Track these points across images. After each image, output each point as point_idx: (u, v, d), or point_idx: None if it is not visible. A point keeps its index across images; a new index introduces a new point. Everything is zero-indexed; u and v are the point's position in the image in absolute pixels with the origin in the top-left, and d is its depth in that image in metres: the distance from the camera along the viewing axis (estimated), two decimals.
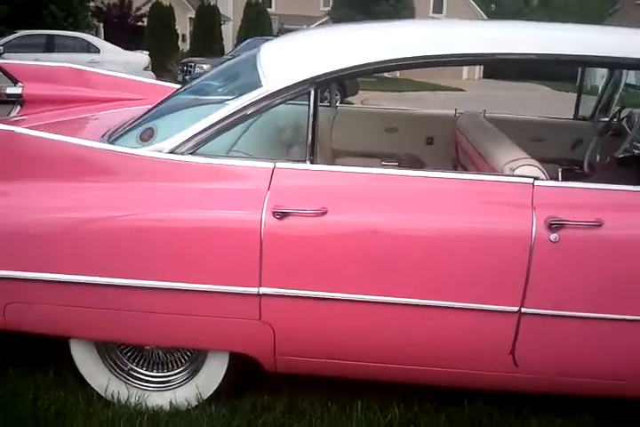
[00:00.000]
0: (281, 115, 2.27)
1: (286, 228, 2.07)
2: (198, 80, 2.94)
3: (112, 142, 2.31)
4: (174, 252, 2.12)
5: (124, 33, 18.16)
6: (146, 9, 22.69)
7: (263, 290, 2.10)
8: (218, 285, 2.11)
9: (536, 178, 2.10)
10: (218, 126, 2.16)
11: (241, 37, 20.90)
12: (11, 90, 3.66)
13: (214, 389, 2.37)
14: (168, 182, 2.15)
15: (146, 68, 12.99)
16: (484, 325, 2.11)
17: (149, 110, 2.62)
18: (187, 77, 13.79)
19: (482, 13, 37.58)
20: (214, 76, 2.88)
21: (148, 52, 13.53)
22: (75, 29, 15.50)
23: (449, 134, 3.42)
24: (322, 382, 2.42)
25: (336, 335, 2.16)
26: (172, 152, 2.17)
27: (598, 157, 3.31)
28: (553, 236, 2.02)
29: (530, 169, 2.14)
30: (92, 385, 2.40)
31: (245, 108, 2.15)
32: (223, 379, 2.35)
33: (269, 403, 2.45)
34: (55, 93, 3.62)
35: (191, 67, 14.22)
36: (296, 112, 2.35)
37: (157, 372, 2.45)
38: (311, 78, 2.13)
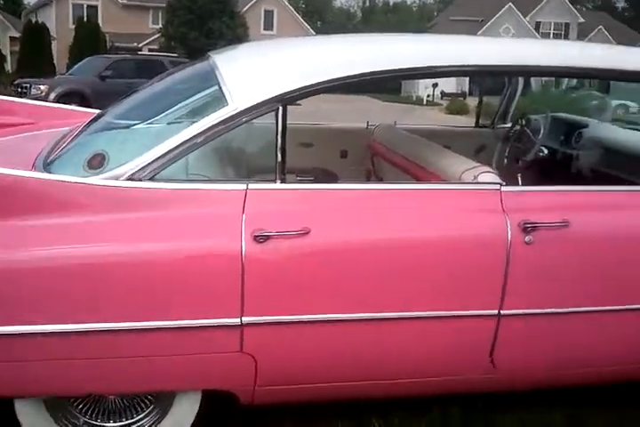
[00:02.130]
0: (237, 133, 2.15)
1: (269, 251, 1.96)
2: (129, 99, 2.71)
3: (50, 172, 2.08)
4: (140, 287, 1.93)
5: None
6: None
7: (246, 319, 1.97)
8: (192, 319, 1.95)
9: (500, 184, 2.17)
10: (182, 148, 2.00)
11: (73, 56, 19.92)
12: None
13: None
14: (133, 213, 1.96)
15: None
16: (465, 330, 2.15)
17: (77, 134, 2.39)
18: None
19: (310, 29, 38.67)
20: (151, 93, 2.68)
21: None
22: None
23: (363, 147, 3.45)
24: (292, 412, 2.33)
25: (322, 358, 2.09)
26: (130, 179, 1.98)
27: (506, 161, 3.48)
28: (527, 238, 2.09)
29: (490, 176, 2.20)
30: None
31: (211, 128, 2.01)
32: (195, 419, 2.17)
33: None
34: None
35: (26, 88, 13.30)
36: (252, 130, 2.25)
37: (117, 422, 2.21)
38: (280, 95, 2.05)
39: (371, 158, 3.43)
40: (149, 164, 1.99)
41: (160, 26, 33.27)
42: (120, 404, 2.20)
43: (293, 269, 1.99)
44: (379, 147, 3.28)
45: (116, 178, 1.98)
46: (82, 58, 17.29)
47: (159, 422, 2.19)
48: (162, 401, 2.18)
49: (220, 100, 2.07)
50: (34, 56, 20.01)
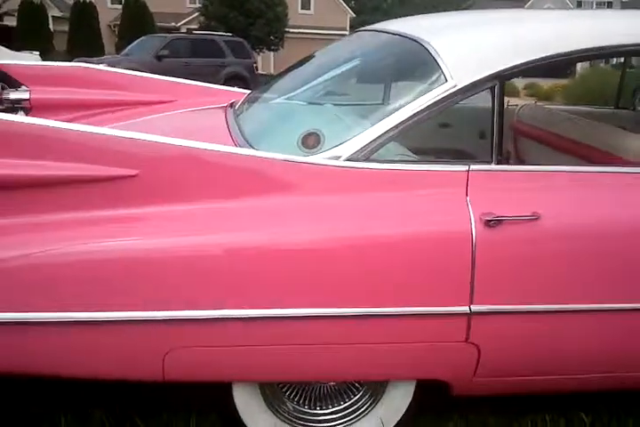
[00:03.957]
0: (453, 112, 2.05)
1: (500, 236, 1.86)
2: (299, 74, 2.61)
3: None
4: (364, 272, 1.84)
5: None
6: (7, 7, 21.00)
7: (475, 308, 1.88)
8: (419, 306, 1.86)
9: None
10: (400, 127, 1.91)
11: (123, 35, 19.89)
12: (15, 94, 3.16)
13: (396, 422, 2.12)
14: (357, 193, 1.87)
15: None
16: None
17: (256, 111, 2.28)
18: None
19: (349, 10, 38.21)
20: (330, 68, 2.57)
21: (38, 53, 12.44)
22: None
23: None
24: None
25: (547, 350, 1.99)
26: (349, 160, 1.90)
27: None
28: None
29: None
30: None
31: (431, 106, 1.91)
32: (407, 409, 2.10)
33: None
34: (69, 97, 3.16)
35: None
36: (466, 108, 2.14)
37: (325, 408, 2.15)
38: (498, 72, 1.94)
39: (513, 138, 3.31)
40: (368, 144, 1.90)
41: (198, 5, 33.15)
42: (329, 390, 2.14)
43: (524, 255, 1.89)
44: (525, 127, 3.15)
45: (336, 158, 1.90)
46: (130, 38, 17.25)
47: (371, 410, 2.12)
48: (373, 388, 2.11)
49: (437, 76, 1.96)
50: (83, 35, 19.96)
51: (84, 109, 3.05)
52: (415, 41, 2.13)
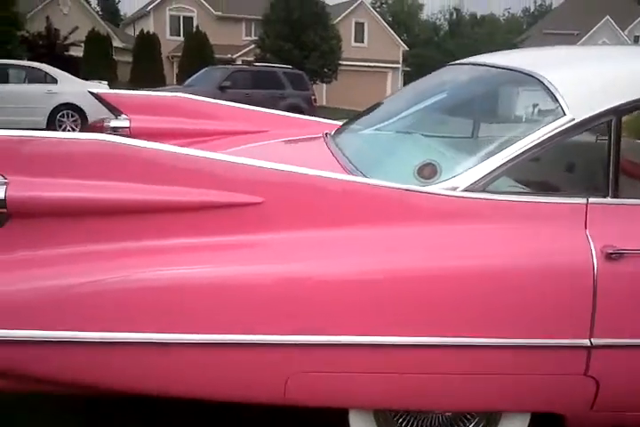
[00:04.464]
0: (569, 145, 2.06)
1: (622, 269, 1.85)
2: (397, 104, 2.66)
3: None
4: (485, 302, 1.85)
5: (51, 62, 17.48)
6: (74, 38, 21.91)
7: (596, 341, 1.86)
8: (539, 338, 1.86)
9: None
10: (517, 160, 1.93)
11: (183, 66, 20.51)
12: (115, 123, 3.29)
13: None
14: (475, 224, 1.89)
15: None
16: None
17: (354, 139, 2.32)
18: None
19: (402, 43, 38.60)
20: (432, 99, 2.63)
21: (107, 83, 12.90)
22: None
23: None
24: None
25: None
26: (467, 190, 1.92)
27: None
28: None
29: None
30: None
31: (548, 139, 1.93)
32: None
33: None
34: (167, 126, 3.28)
35: None
36: (581, 142, 2.15)
37: None
38: (615, 107, 1.95)
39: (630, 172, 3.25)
40: (485, 175, 1.93)
41: (253, 38, 33.94)
42: (442, 420, 2.13)
43: None
44: None
45: (453, 189, 1.93)
46: (189, 68, 17.72)
47: None
48: (487, 419, 2.10)
49: (554, 110, 1.99)
50: (146, 66, 20.61)
51: (182, 138, 3.14)
52: (529, 75, 2.15)
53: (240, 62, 31.16)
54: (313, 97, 15.12)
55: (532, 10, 60.64)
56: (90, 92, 3.36)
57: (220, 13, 36.39)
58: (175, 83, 21.83)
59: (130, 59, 25.49)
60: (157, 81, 19.50)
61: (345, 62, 30.96)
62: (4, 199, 1.73)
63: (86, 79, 13.77)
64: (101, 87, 12.71)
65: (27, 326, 1.74)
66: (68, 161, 1.79)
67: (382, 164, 2.21)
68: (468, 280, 1.84)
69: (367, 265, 1.83)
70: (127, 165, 1.80)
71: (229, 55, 33.57)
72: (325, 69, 29.23)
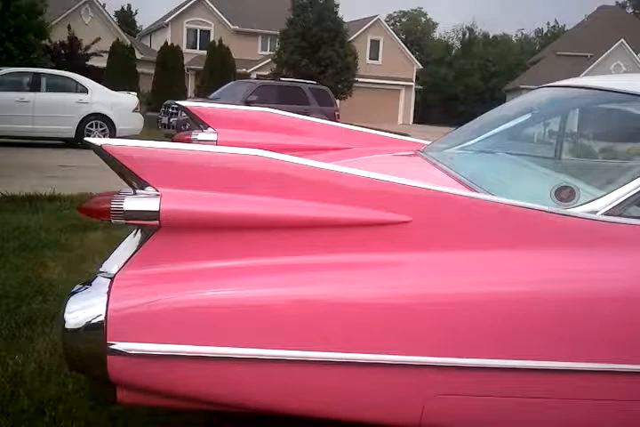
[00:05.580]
0: None
1: None
2: (513, 126, 2.67)
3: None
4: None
5: (73, 71, 17.73)
6: (95, 48, 22.10)
7: None
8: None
9: None
10: None
11: (204, 78, 20.62)
12: (203, 136, 3.30)
13: None
14: (617, 249, 1.89)
15: (135, 110, 12.46)
16: None
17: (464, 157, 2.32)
18: (172, 120, 13.31)
19: (416, 61, 38.83)
20: (538, 121, 2.63)
21: (135, 94, 12.99)
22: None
23: None
24: None
25: None
26: (606, 214, 1.92)
27: None
28: None
29: None
30: None
31: None
32: None
33: None
34: (253, 141, 3.27)
35: (175, 109, 13.74)
36: None
37: None
38: None
39: None
40: (625, 200, 1.93)
41: (268, 52, 34.19)
42: None
43: None
44: None
45: (593, 212, 1.92)
46: (210, 81, 17.83)
47: None
48: None
49: None
50: (168, 77, 20.73)
51: None
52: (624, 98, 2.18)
53: (255, 76, 31.35)
54: (337, 113, 15.18)
55: (544, 31, 61.04)
56: (178, 104, 3.38)
57: (237, 28, 36.70)
58: (194, 95, 21.94)
59: (147, 70, 25.73)
60: (179, 93, 19.61)
61: (359, 79, 31.16)
62: (158, 211, 1.73)
63: (115, 90, 13.85)
64: (131, 98, 12.82)
65: (177, 342, 1.73)
66: (221, 175, 1.79)
67: (506, 184, 2.20)
68: (620, 303, 1.83)
69: (521, 285, 1.82)
70: (283, 180, 1.80)
71: (244, 69, 33.82)
72: (340, 86, 29.42)
